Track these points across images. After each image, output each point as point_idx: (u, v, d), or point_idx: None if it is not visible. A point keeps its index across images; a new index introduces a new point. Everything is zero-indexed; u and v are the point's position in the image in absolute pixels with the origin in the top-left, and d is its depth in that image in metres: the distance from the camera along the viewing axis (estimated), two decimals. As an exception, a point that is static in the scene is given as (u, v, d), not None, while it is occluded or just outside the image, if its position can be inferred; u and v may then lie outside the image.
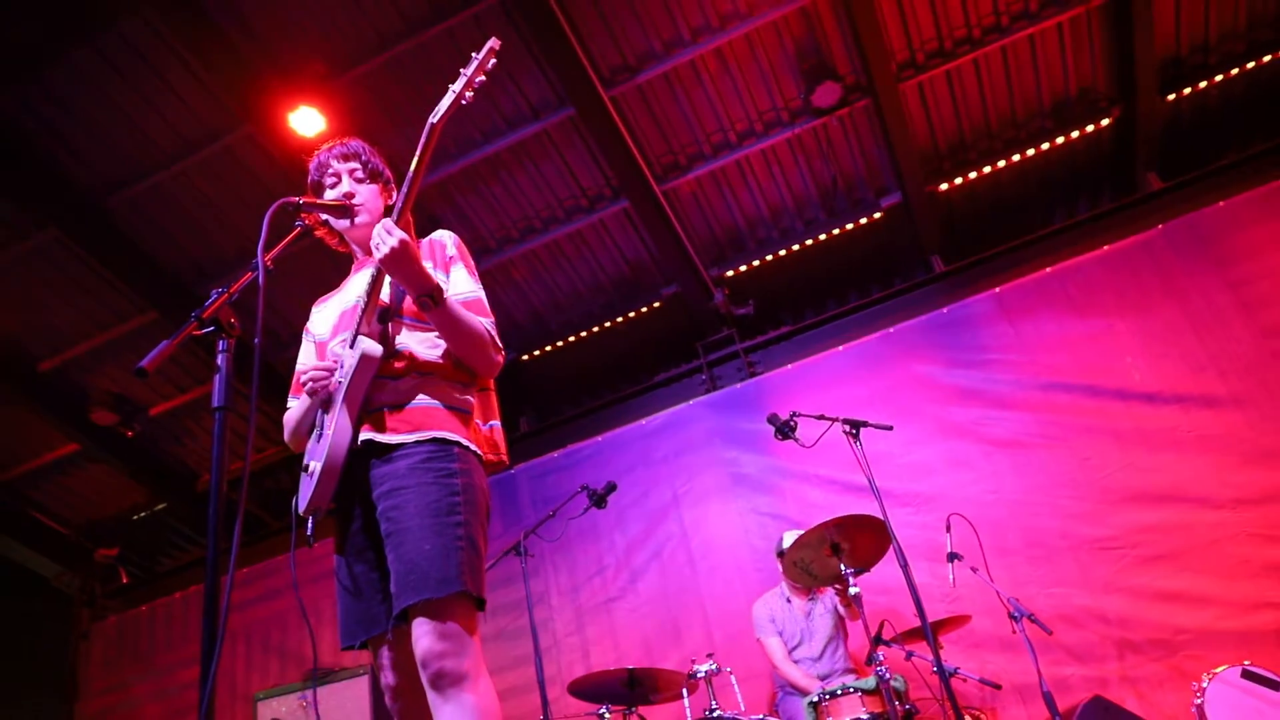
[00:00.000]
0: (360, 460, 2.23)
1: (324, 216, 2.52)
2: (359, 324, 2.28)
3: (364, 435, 2.22)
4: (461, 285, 2.41)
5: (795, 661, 4.98)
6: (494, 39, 2.42)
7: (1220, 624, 4.88)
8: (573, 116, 6.14)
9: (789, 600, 5.17)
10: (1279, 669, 4.05)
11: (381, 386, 2.26)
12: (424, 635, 2.02)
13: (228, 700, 7.30)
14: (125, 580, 8.93)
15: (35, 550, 8.58)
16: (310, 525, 2.25)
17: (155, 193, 6.33)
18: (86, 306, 6.97)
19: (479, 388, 2.43)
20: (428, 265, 2.41)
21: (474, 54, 2.38)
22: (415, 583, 2.03)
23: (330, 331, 2.47)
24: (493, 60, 2.39)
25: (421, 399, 2.26)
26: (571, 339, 7.53)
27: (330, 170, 2.53)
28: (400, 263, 2.16)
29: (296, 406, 2.44)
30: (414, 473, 2.14)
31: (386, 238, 2.16)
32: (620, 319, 7.40)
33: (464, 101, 2.36)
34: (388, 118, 6.08)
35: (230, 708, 7.26)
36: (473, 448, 2.27)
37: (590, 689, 4.56)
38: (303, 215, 2.40)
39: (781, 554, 5.25)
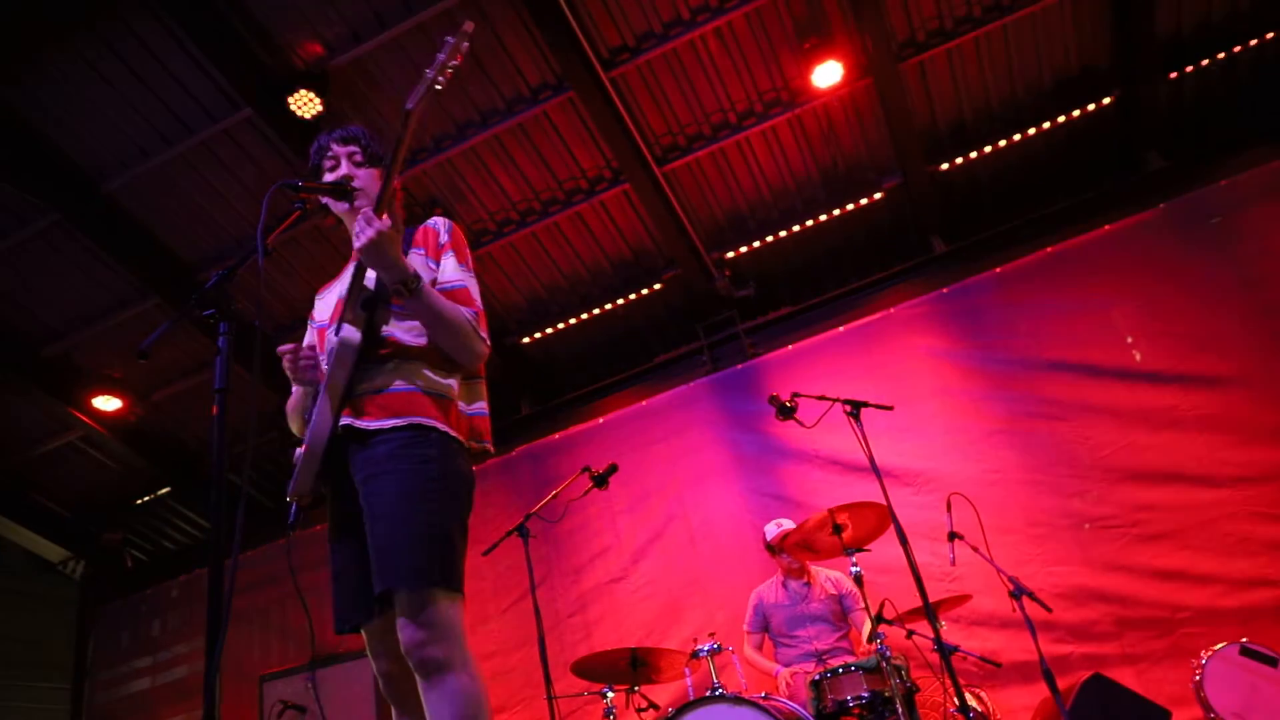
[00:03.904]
0: (343, 447, 2.24)
1: (323, 200, 2.51)
2: (344, 312, 2.28)
3: (344, 421, 2.22)
4: (450, 273, 2.40)
5: (792, 641, 5.03)
6: (468, 23, 2.40)
7: (1219, 602, 4.90)
8: (572, 98, 6.11)
9: (785, 585, 5.22)
10: (1277, 646, 4.08)
11: (365, 373, 2.26)
12: (404, 625, 2.04)
13: (233, 682, 7.35)
14: (129, 564, 8.98)
15: (40, 534, 8.63)
16: (294, 511, 2.25)
17: (155, 177, 6.31)
18: (87, 291, 6.97)
19: (465, 375, 2.42)
20: (418, 253, 2.42)
21: (448, 38, 2.35)
22: (388, 571, 2.05)
23: (330, 317, 2.47)
24: (466, 43, 2.37)
25: (402, 385, 2.26)
26: (572, 321, 7.52)
27: (329, 153, 2.51)
28: (377, 252, 2.16)
29: (297, 392, 2.46)
30: (391, 459, 2.15)
31: (365, 227, 2.16)
32: (621, 301, 7.39)
33: (438, 87, 2.34)
34: (387, 99, 6.05)
35: (236, 689, 7.31)
36: (453, 434, 2.26)
37: (593, 669, 4.60)
38: (303, 197, 2.40)
39: (769, 547, 5.30)
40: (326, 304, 2.56)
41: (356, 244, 2.17)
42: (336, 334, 2.26)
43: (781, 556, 5.22)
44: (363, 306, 2.31)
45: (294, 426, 2.47)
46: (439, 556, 2.07)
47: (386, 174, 2.30)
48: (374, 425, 2.20)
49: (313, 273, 6.95)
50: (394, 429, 2.19)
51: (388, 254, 2.18)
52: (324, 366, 2.29)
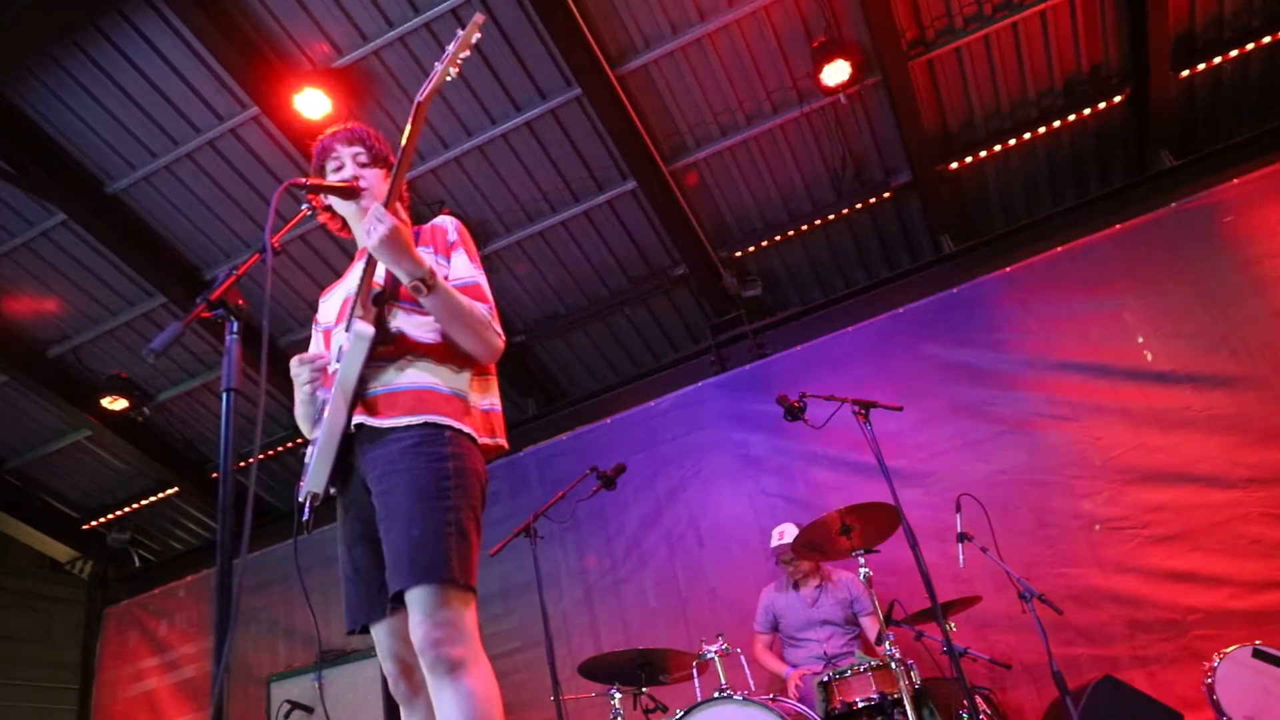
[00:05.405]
0: (356, 445, 2.23)
1: (328, 200, 2.50)
2: (354, 309, 2.26)
3: (357, 419, 2.20)
4: (461, 270, 2.39)
5: (802, 643, 5.01)
6: (479, 15, 2.38)
7: (1231, 604, 4.87)
8: (580, 97, 6.10)
9: (795, 588, 5.18)
10: (1290, 648, 4.05)
11: (376, 370, 2.25)
12: (418, 623, 2.02)
13: (241, 682, 7.36)
14: (137, 564, 9.00)
15: (48, 535, 8.65)
16: (308, 510, 2.23)
17: (162, 177, 6.32)
18: (94, 292, 6.98)
19: (477, 371, 2.41)
20: (426, 250, 2.39)
21: (458, 30, 2.35)
22: (404, 569, 2.03)
23: (335, 318, 2.46)
24: (477, 35, 2.35)
25: (415, 382, 2.24)
26: (580, 321, 7.51)
27: (334, 154, 2.50)
28: (391, 248, 2.13)
29: (302, 399, 2.43)
30: (405, 456, 2.13)
31: (377, 224, 2.13)
32: (629, 301, 7.37)
33: (448, 79, 2.33)
34: (394, 99, 6.05)
35: (243, 690, 7.31)
36: (467, 431, 2.24)
37: (600, 669, 4.58)
38: (309, 197, 2.39)
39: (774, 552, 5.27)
40: (332, 306, 2.55)
41: (368, 241, 2.14)
42: (347, 331, 2.24)
43: (784, 565, 5.20)
44: (374, 302, 2.29)
45: (305, 429, 2.46)
46: (454, 554, 2.06)
47: (396, 168, 2.29)
48: (388, 423, 2.18)
49: (320, 272, 6.95)
50: (408, 426, 2.17)
51: (402, 249, 2.15)
52: (334, 366, 2.27)
